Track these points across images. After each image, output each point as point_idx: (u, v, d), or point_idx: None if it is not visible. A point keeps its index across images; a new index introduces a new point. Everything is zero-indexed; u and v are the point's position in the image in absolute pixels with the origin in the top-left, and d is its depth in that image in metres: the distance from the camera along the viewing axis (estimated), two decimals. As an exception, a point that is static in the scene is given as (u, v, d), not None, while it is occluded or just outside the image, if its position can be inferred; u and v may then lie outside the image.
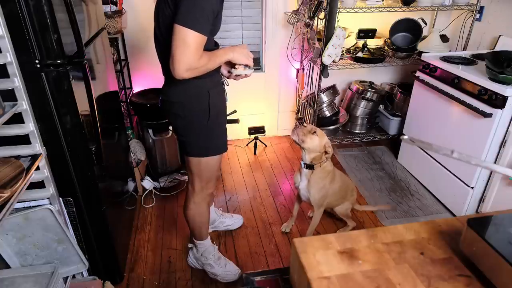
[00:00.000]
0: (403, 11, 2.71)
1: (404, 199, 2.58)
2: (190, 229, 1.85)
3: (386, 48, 3.03)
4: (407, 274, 0.78)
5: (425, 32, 3.01)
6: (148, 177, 2.64)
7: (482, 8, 2.83)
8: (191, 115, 1.51)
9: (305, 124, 1.84)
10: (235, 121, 2.94)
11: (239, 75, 1.53)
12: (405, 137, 1.04)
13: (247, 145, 3.31)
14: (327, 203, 2.07)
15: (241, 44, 1.65)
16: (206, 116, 1.50)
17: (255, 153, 3.20)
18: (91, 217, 1.62)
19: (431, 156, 2.59)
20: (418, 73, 2.65)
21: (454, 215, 2.41)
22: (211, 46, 1.47)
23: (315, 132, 1.83)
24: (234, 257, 2.08)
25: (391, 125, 3.19)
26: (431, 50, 2.82)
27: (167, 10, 1.31)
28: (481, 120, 2.10)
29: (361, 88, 3.16)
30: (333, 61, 2.65)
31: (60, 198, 1.47)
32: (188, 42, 1.23)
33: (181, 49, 1.24)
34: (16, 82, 1.20)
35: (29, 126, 1.28)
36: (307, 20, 2.70)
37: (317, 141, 1.83)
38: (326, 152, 1.87)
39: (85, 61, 1.42)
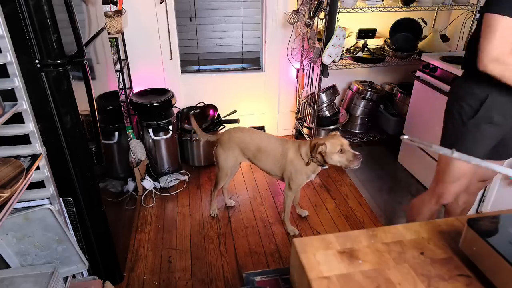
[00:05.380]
0: (403, 11, 2.71)
1: (404, 199, 2.58)
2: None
3: (386, 48, 3.03)
4: (407, 274, 0.78)
5: (425, 32, 3.01)
6: (148, 177, 2.64)
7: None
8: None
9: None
10: (235, 121, 2.94)
11: None
12: (405, 137, 1.04)
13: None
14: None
15: None
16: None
17: (255, 153, 3.20)
18: (91, 217, 1.62)
19: (431, 156, 2.59)
20: (418, 73, 2.65)
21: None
22: None
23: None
24: (234, 257, 2.08)
25: (391, 125, 3.19)
26: (431, 50, 2.81)
27: None
28: (481, 120, 2.10)
29: (361, 88, 3.16)
30: (333, 61, 2.65)
31: (60, 198, 1.47)
32: (493, 28, 1.13)
33: (487, 36, 1.14)
34: (16, 82, 1.20)
35: (29, 126, 1.28)
36: (307, 20, 2.70)
37: None
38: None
39: (85, 61, 1.42)
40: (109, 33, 2.39)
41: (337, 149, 1.86)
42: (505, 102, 1.34)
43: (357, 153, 1.85)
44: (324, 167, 2.01)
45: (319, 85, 2.80)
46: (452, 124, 1.49)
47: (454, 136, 1.49)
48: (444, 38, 2.98)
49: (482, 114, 1.37)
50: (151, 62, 2.95)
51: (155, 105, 2.56)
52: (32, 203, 1.39)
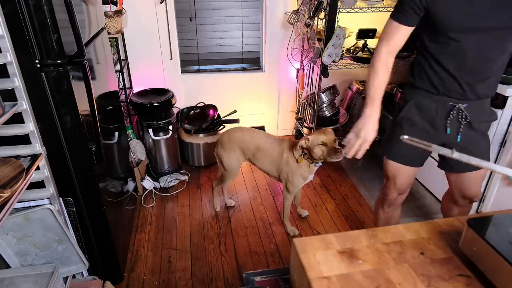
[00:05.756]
0: (403, 11, 2.71)
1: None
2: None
3: (386, 48, 3.02)
4: (407, 274, 0.78)
5: (425, 32, 3.00)
6: (148, 177, 2.64)
7: (482, 8, 2.82)
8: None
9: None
10: (235, 121, 2.94)
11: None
12: (405, 137, 1.04)
13: (247, 145, 3.31)
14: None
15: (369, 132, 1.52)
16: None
17: (255, 153, 3.20)
18: (91, 217, 1.62)
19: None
20: (418, 73, 2.64)
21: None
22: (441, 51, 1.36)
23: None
24: (234, 257, 2.08)
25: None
26: (431, 50, 2.80)
27: None
28: (481, 120, 2.10)
29: (361, 88, 3.16)
30: (333, 61, 2.65)
31: (60, 198, 1.47)
32: (385, 27, 1.37)
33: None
34: (16, 82, 1.20)
35: (29, 126, 1.28)
36: (307, 20, 2.70)
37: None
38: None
39: (85, 61, 1.42)
40: (109, 33, 2.39)
41: (318, 142, 1.88)
42: (428, 108, 1.46)
43: (337, 147, 1.88)
44: (318, 165, 2.02)
45: (319, 85, 2.80)
46: (391, 119, 1.66)
47: (387, 131, 1.66)
48: (444, 38, 2.97)
49: (403, 114, 1.55)
50: (151, 62, 2.95)
51: (155, 105, 2.56)
52: (32, 203, 1.39)
